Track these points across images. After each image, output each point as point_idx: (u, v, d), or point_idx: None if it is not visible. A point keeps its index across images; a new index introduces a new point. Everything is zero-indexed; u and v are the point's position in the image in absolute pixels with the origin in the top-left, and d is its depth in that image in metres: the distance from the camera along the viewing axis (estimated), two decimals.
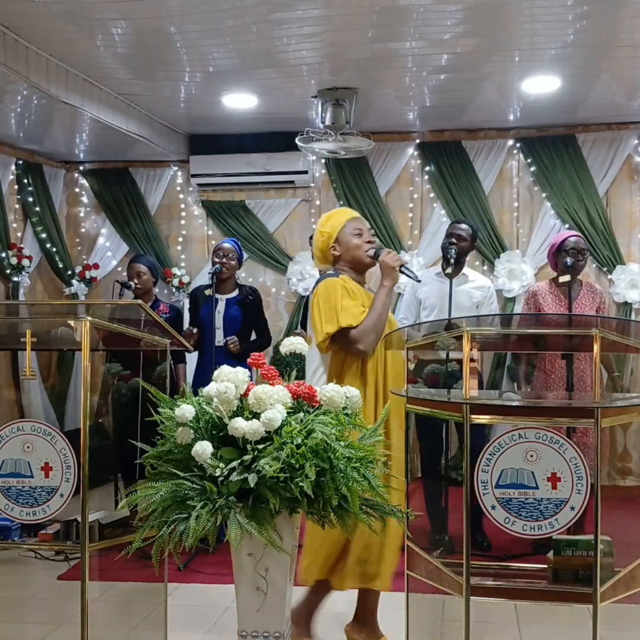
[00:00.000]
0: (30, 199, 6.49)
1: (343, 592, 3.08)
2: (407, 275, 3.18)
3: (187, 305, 5.94)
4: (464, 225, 4.75)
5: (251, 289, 4.95)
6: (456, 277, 4.64)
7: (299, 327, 5.11)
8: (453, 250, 4.55)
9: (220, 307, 4.78)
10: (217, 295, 4.78)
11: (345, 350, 2.99)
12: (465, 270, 4.78)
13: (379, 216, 6.36)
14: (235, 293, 4.87)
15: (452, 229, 4.75)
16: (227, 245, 4.89)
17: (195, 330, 4.74)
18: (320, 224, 3.22)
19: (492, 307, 4.79)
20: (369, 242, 3.14)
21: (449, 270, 4.54)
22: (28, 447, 2.74)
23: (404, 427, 2.96)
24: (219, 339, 4.73)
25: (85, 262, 6.92)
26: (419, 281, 3.48)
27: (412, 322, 4.67)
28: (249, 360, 2.50)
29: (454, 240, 4.63)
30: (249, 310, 4.84)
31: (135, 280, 4.97)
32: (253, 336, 4.93)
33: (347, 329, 2.94)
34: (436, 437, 4.50)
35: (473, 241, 4.78)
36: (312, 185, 6.57)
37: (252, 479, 2.14)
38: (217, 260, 4.80)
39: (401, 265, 3.09)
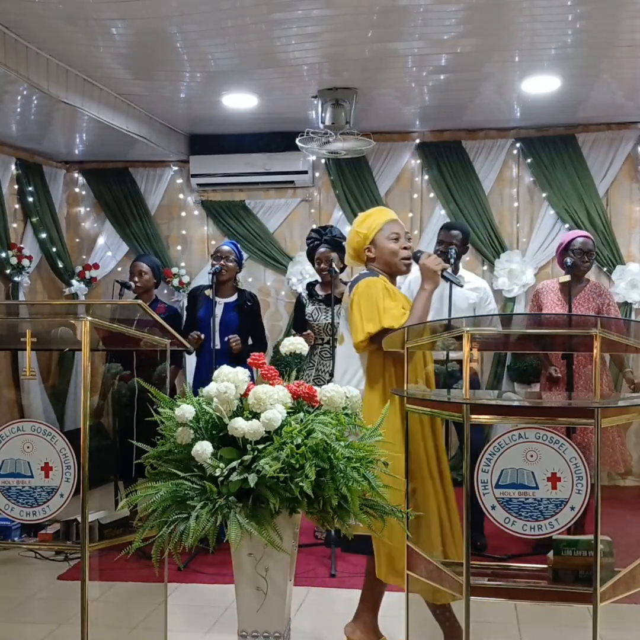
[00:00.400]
0: (30, 199, 6.49)
1: (343, 591, 3.08)
2: (450, 280, 3.13)
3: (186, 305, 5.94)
4: (454, 232, 4.68)
5: (250, 295, 4.93)
6: None
7: (291, 330, 5.09)
8: (452, 251, 4.54)
9: (218, 310, 4.76)
10: (217, 298, 4.76)
11: (385, 351, 2.91)
12: (461, 272, 4.76)
13: None
14: (234, 297, 4.86)
15: (444, 236, 4.69)
16: (225, 247, 4.87)
17: (202, 336, 4.73)
18: (357, 223, 3.14)
19: (490, 307, 4.74)
20: (405, 248, 3.07)
21: (449, 269, 4.53)
22: (28, 447, 2.74)
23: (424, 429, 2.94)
24: (216, 342, 4.72)
25: (85, 262, 6.93)
26: (461, 286, 3.41)
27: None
28: (249, 360, 2.50)
29: (445, 245, 4.60)
30: (246, 316, 4.82)
31: (136, 279, 4.97)
32: (249, 342, 4.92)
33: (388, 330, 2.86)
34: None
35: (465, 244, 4.74)
36: (312, 185, 6.58)
37: (252, 479, 2.14)
38: (215, 263, 4.79)
39: (443, 270, 3.05)
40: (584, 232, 5.01)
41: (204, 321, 4.73)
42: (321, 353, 4.78)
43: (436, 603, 2.92)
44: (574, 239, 4.61)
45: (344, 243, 4.91)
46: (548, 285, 4.74)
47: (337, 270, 4.69)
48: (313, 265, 4.98)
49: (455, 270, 4.68)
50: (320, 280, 5.00)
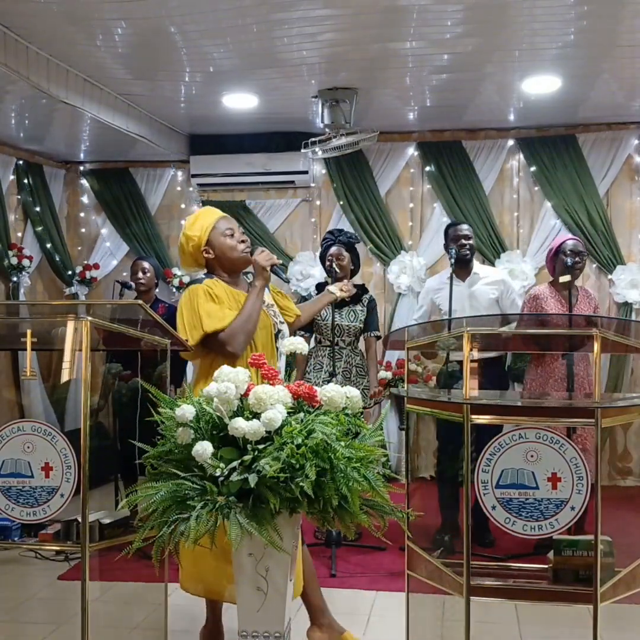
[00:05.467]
0: (30, 199, 6.49)
1: (343, 591, 3.07)
2: (278, 275, 3.16)
3: None
4: (465, 225, 4.77)
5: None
6: (468, 277, 4.67)
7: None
8: (467, 248, 4.58)
9: None
10: None
11: (215, 353, 2.92)
12: (475, 268, 4.77)
13: (379, 216, 6.37)
14: None
15: (457, 231, 4.72)
16: None
17: None
18: (187, 227, 3.08)
19: (512, 297, 4.75)
20: (242, 241, 3.07)
21: (454, 268, 4.55)
22: (28, 447, 2.73)
23: None
24: None
25: (85, 262, 6.93)
26: (287, 282, 3.49)
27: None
28: (249, 360, 2.50)
29: (462, 241, 4.63)
30: None
31: (140, 275, 4.99)
32: None
33: (214, 334, 2.88)
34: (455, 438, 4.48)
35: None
36: (312, 185, 6.58)
37: (252, 479, 2.14)
38: None
39: (272, 265, 3.06)
40: (571, 236, 5.04)
41: None
42: (329, 354, 4.77)
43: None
44: (564, 242, 4.61)
45: (353, 242, 4.95)
46: (543, 290, 4.67)
47: (338, 270, 4.70)
48: (323, 266, 4.97)
49: (470, 268, 4.69)
50: (329, 281, 4.98)
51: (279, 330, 3.12)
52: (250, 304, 2.97)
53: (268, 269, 3.03)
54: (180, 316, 2.95)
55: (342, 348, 4.80)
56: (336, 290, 3.56)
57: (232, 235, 3.06)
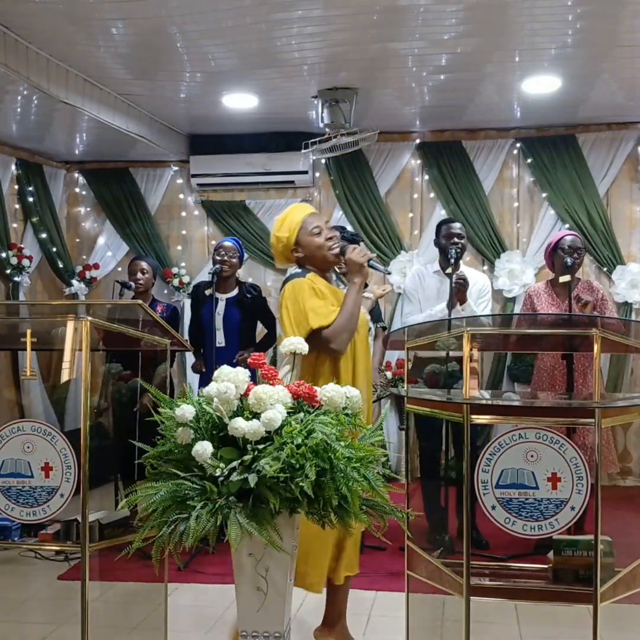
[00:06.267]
0: (30, 199, 6.49)
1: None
2: (376, 269, 3.13)
3: (187, 305, 5.95)
4: (457, 224, 4.75)
5: (251, 287, 4.94)
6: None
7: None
8: (458, 247, 4.57)
9: (220, 308, 4.78)
10: (218, 295, 4.79)
11: (318, 350, 2.92)
12: (463, 268, 4.76)
13: (379, 216, 6.37)
14: (234, 292, 4.88)
15: (449, 229, 4.71)
16: (228, 243, 4.90)
17: (202, 366, 4.81)
18: (276, 229, 3.08)
19: (482, 299, 4.68)
20: (330, 238, 3.05)
21: (449, 269, 4.53)
22: (28, 447, 2.73)
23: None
24: (220, 340, 4.73)
25: (85, 262, 6.93)
26: (389, 273, 3.46)
27: (420, 314, 4.64)
28: (249, 360, 2.50)
29: (455, 239, 4.62)
30: (248, 309, 4.84)
31: (138, 275, 4.99)
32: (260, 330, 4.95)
33: (318, 330, 2.88)
34: (436, 437, 4.49)
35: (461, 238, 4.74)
36: (312, 185, 6.58)
37: (252, 479, 2.14)
38: (218, 258, 4.80)
39: (368, 260, 3.03)
40: (569, 231, 5.01)
41: (207, 320, 4.74)
42: None
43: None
44: (562, 238, 4.59)
45: (358, 240, 4.94)
46: (539, 287, 4.70)
47: (338, 270, 4.70)
48: None
49: (458, 267, 4.67)
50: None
51: (369, 328, 3.13)
52: (350, 301, 2.96)
53: (365, 265, 3.00)
54: (285, 311, 2.93)
55: None
56: (376, 292, 3.54)
57: (319, 233, 3.03)
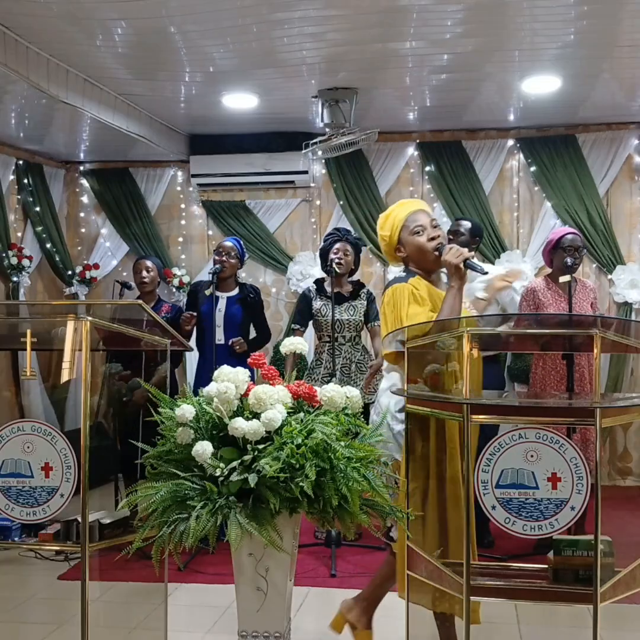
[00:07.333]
0: (30, 199, 6.49)
1: (343, 591, 3.06)
2: (474, 270, 2.83)
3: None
4: (463, 222, 4.73)
5: (252, 288, 4.95)
6: None
7: (294, 324, 5.07)
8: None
9: (221, 305, 4.79)
10: (218, 293, 4.79)
11: None
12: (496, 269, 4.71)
13: (379, 216, 6.36)
14: (235, 291, 4.88)
15: (452, 226, 4.73)
16: (228, 243, 4.90)
17: (194, 314, 4.73)
18: (380, 227, 2.95)
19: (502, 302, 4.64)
20: (432, 238, 2.83)
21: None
22: (28, 447, 2.73)
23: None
24: (219, 337, 4.73)
25: (85, 262, 6.92)
26: (485, 273, 3.03)
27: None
28: (249, 360, 2.50)
29: (450, 237, 4.61)
30: (249, 308, 4.85)
31: (144, 273, 4.98)
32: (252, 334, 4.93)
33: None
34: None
35: (472, 237, 4.65)
36: (312, 185, 6.58)
37: (252, 479, 2.14)
38: (218, 258, 4.80)
39: (465, 260, 2.75)
40: (571, 229, 4.99)
41: (207, 318, 4.73)
42: (329, 351, 4.77)
43: (435, 611, 2.85)
44: (562, 236, 4.57)
45: (361, 245, 4.95)
46: (540, 283, 4.66)
47: (338, 270, 4.70)
48: (323, 261, 4.90)
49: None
50: (327, 277, 4.95)
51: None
52: (447, 306, 2.75)
53: (462, 266, 2.74)
54: (383, 317, 2.82)
55: (342, 344, 4.80)
56: (497, 285, 3.35)
57: (421, 232, 2.84)
